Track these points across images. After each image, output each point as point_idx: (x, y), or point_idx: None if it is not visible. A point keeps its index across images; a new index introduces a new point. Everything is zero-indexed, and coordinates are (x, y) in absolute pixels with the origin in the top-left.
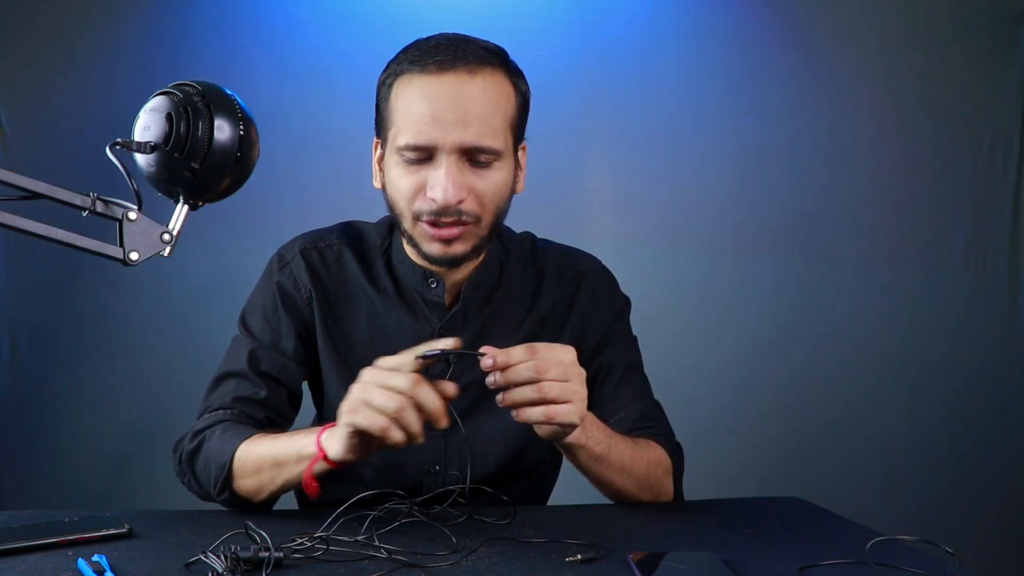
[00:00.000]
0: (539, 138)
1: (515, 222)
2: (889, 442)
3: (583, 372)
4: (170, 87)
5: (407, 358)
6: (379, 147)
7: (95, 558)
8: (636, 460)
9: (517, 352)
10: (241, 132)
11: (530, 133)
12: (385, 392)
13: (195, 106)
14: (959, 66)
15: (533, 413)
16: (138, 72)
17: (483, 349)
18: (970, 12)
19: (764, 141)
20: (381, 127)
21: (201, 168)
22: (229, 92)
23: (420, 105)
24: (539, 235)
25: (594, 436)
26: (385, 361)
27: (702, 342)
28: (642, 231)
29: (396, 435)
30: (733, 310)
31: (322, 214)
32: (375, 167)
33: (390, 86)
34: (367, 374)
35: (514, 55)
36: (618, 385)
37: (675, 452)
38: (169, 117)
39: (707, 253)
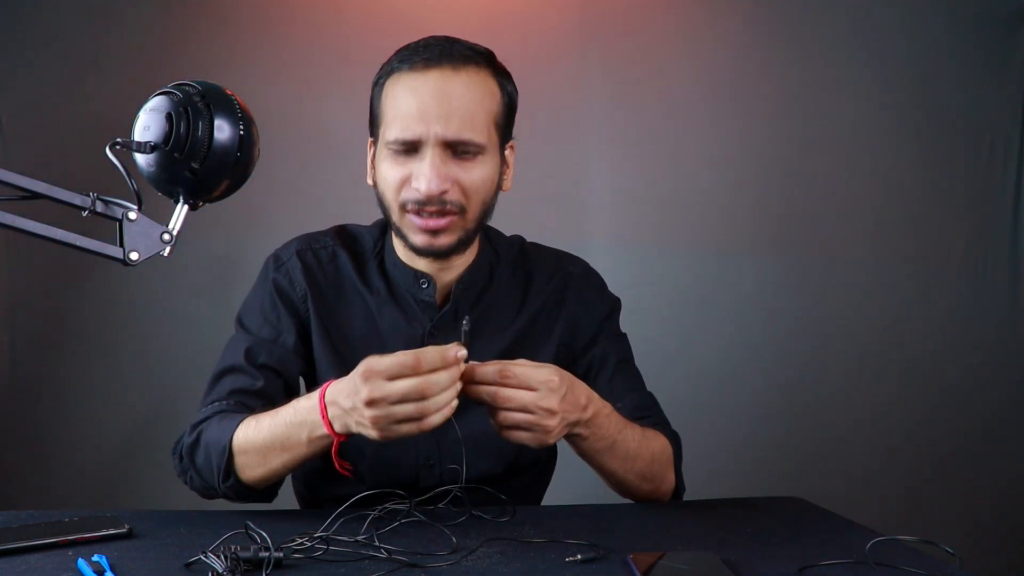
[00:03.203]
0: (539, 138)
1: (515, 222)
2: (889, 442)
3: (553, 405)
4: (170, 87)
5: (401, 361)
6: (373, 146)
7: (95, 558)
8: (641, 451)
9: (483, 370)
10: (241, 132)
11: (529, 132)
12: (401, 407)
13: (195, 106)
14: (959, 66)
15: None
16: (138, 72)
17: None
18: (970, 12)
19: (764, 141)
20: (374, 126)
21: (201, 168)
22: (229, 92)
23: (407, 101)
24: (539, 235)
25: (598, 432)
26: (380, 367)
27: (701, 342)
28: (642, 231)
29: (435, 420)
30: (733, 310)
31: (322, 214)
32: (369, 165)
33: (381, 86)
34: (369, 388)
35: (513, 55)
36: (612, 378)
37: (675, 441)
38: (169, 117)
39: (706, 253)
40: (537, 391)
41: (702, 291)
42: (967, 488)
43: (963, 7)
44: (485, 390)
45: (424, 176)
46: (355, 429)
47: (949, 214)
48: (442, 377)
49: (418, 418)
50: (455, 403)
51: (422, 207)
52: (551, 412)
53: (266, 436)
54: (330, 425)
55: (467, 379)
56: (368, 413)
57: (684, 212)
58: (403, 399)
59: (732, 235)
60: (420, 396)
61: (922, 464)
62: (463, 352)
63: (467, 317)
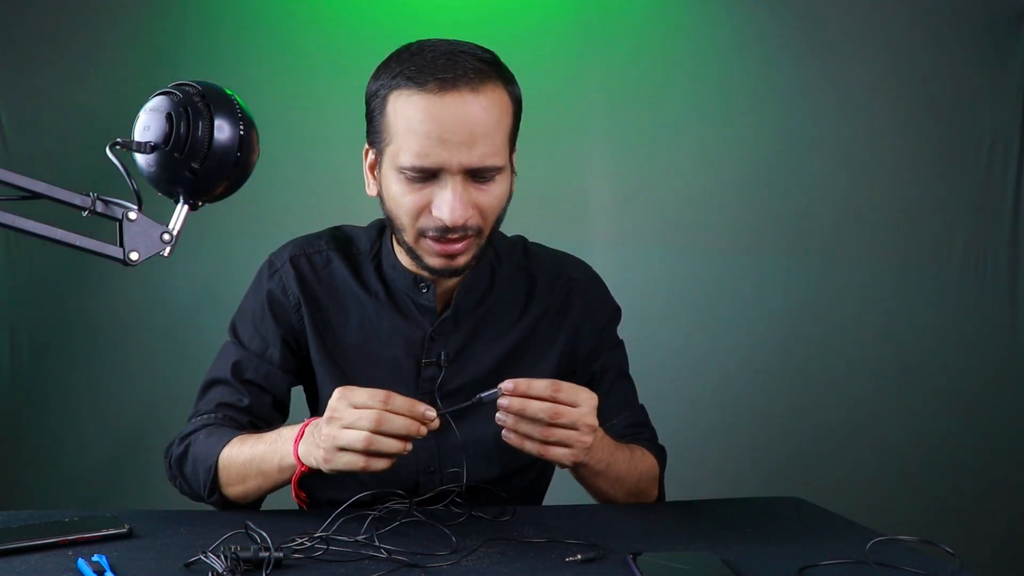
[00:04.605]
0: (539, 138)
1: (515, 222)
2: (889, 442)
3: (594, 422)
4: (170, 87)
5: (374, 392)
6: (371, 154)
7: (95, 558)
8: (630, 472)
9: (538, 386)
10: (241, 132)
11: (529, 132)
12: (350, 432)
13: (195, 106)
14: (959, 66)
15: (527, 445)
16: (138, 72)
17: (504, 383)
18: (970, 12)
19: (764, 141)
20: (376, 138)
21: (201, 168)
22: (229, 92)
23: (425, 127)
24: (539, 235)
25: (596, 457)
26: (351, 394)
27: (702, 342)
28: (642, 231)
29: (377, 465)
30: (732, 310)
31: (321, 215)
32: (368, 174)
33: (384, 99)
34: (333, 407)
35: (513, 54)
36: (609, 392)
37: (661, 457)
38: (169, 117)
39: (706, 253)
40: (581, 408)
41: (702, 291)
42: (967, 488)
43: (963, 7)
44: (540, 406)
45: (448, 206)
46: (311, 459)
47: (949, 214)
48: (397, 420)
49: (363, 452)
50: (400, 449)
51: (444, 235)
52: (592, 428)
53: (247, 457)
54: (297, 452)
55: (521, 393)
56: (324, 430)
57: (684, 212)
58: (352, 425)
59: (732, 235)
60: (371, 426)
61: (922, 464)
62: (433, 416)
63: (444, 352)
